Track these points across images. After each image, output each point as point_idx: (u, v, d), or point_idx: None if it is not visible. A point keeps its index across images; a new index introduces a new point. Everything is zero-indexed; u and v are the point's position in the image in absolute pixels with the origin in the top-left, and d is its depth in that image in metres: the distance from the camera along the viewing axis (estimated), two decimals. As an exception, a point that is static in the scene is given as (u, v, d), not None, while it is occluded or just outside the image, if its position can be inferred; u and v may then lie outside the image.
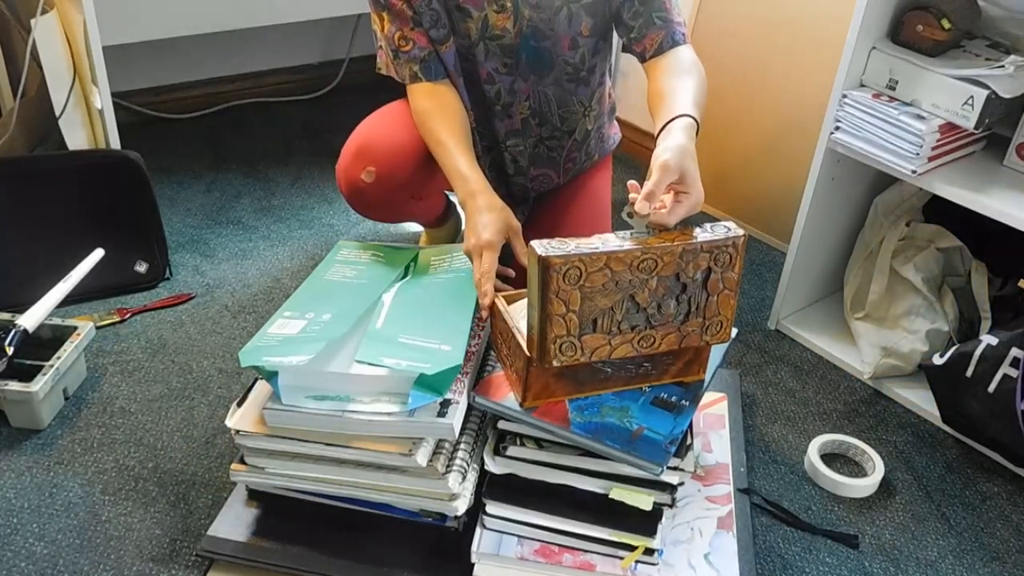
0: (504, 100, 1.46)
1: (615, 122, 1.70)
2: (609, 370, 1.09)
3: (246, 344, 1.11)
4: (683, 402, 1.10)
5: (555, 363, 1.01)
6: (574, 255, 0.97)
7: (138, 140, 1.87)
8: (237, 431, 1.08)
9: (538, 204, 1.65)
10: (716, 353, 1.17)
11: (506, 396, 1.08)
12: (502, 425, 1.09)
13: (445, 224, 1.78)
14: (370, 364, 1.05)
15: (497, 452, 1.08)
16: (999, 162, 1.43)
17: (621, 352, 1.04)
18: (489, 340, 1.22)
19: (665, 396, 1.11)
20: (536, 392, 1.05)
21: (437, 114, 1.38)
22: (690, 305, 1.04)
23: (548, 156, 1.56)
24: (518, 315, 1.10)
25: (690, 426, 1.10)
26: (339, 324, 1.13)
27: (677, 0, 1.37)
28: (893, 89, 1.41)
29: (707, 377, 1.15)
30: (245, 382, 1.44)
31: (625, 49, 1.42)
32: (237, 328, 1.58)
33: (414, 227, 1.92)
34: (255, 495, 1.17)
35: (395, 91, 1.49)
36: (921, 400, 1.49)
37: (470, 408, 1.13)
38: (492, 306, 1.14)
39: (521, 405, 1.06)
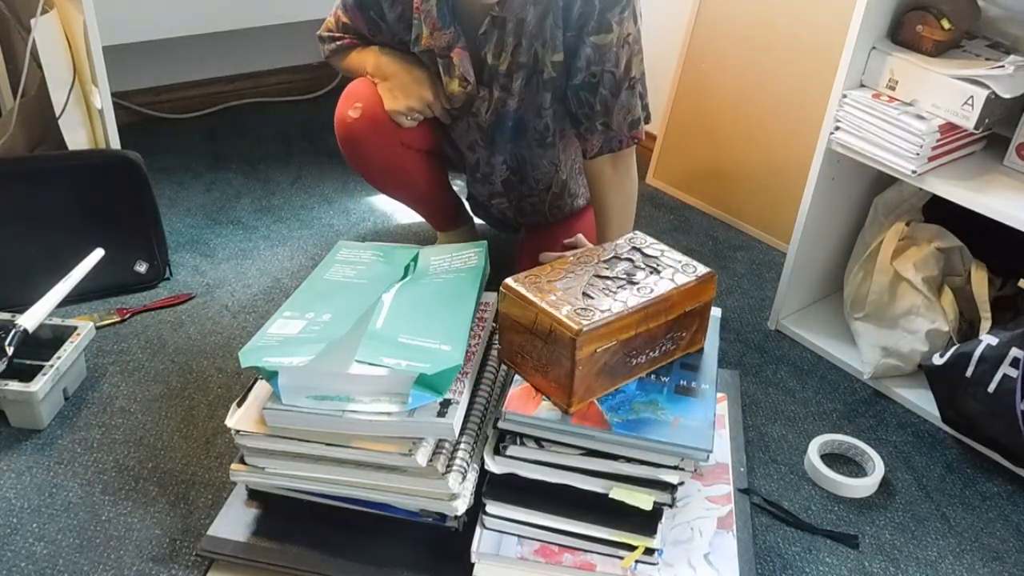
0: (483, 170, 1.58)
1: None
2: (639, 357, 1.10)
3: (246, 344, 1.11)
4: (703, 386, 1.12)
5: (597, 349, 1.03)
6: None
7: (138, 140, 1.87)
8: (237, 431, 1.08)
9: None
10: (713, 326, 1.21)
11: (538, 409, 1.07)
12: (502, 425, 1.09)
13: (457, 228, 1.78)
14: (370, 364, 1.05)
15: (497, 452, 1.08)
16: (999, 162, 1.43)
17: (635, 317, 1.05)
18: (495, 352, 1.23)
19: (684, 383, 1.12)
20: (581, 394, 1.05)
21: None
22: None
23: (534, 210, 1.66)
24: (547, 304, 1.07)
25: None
26: (339, 324, 1.13)
27: (626, 100, 1.42)
28: (893, 89, 1.41)
29: (708, 349, 1.19)
30: (245, 382, 1.44)
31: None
32: (237, 328, 1.58)
33: (414, 228, 1.92)
34: (255, 495, 1.17)
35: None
36: (921, 400, 1.49)
37: (470, 408, 1.13)
38: (504, 315, 1.12)
39: (567, 410, 1.05)
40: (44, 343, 1.38)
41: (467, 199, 1.78)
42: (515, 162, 1.56)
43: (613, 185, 1.48)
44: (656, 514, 1.06)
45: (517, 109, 1.46)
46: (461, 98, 1.46)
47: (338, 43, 1.56)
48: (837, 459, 1.38)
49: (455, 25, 1.40)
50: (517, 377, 1.12)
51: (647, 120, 1.47)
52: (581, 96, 1.41)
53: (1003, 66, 1.32)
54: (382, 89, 1.49)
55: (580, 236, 1.51)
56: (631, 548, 1.07)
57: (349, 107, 1.50)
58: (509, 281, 1.09)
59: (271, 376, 1.04)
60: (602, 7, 1.34)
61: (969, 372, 1.34)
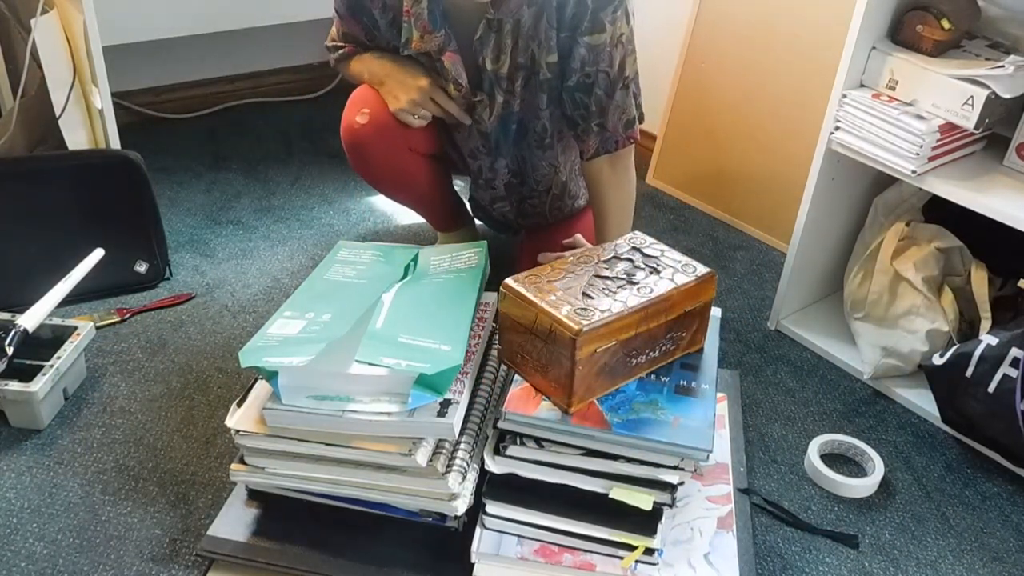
0: (486, 176, 1.57)
1: None
2: (639, 357, 1.10)
3: (246, 344, 1.11)
4: (703, 386, 1.12)
5: (597, 349, 1.02)
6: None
7: (138, 140, 1.87)
8: (237, 431, 1.08)
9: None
10: (713, 326, 1.21)
11: (538, 409, 1.07)
12: (502, 425, 1.09)
13: (457, 229, 1.78)
14: (370, 364, 1.05)
15: (497, 452, 1.08)
16: (999, 162, 1.43)
17: (635, 316, 1.05)
18: (495, 352, 1.23)
19: (684, 383, 1.12)
20: (581, 394, 1.05)
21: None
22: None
23: (535, 212, 1.66)
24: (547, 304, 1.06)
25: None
26: (339, 324, 1.13)
27: (621, 100, 1.42)
28: (893, 89, 1.41)
29: (708, 349, 1.18)
30: (245, 382, 1.44)
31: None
32: (237, 328, 1.58)
33: (414, 228, 1.92)
34: (255, 495, 1.17)
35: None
36: (921, 400, 1.49)
37: (470, 408, 1.13)
38: (504, 315, 1.12)
39: (567, 410, 1.05)
40: (44, 343, 1.37)
41: (468, 200, 1.78)
42: (516, 164, 1.56)
43: (611, 185, 1.48)
44: (656, 514, 1.06)
45: (518, 112, 1.46)
46: (459, 101, 1.46)
47: (341, 52, 1.56)
48: (837, 459, 1.38)
49: (446, 28, 1.40)
50: (517, 377, 1.12)
51: (641, 120, 1.48)
52: (576, 98, 1.41)
53: (1003, 66, 1.32)
54: (383, 93, 1.48)
55: (578, 236, 1.51)
56: (631, 548, 1.07)
57: (357, 113, 1.50)
58: (509, 281, 1.09)
59: (271, 376, 1.04)
60: (595, 7, 1.34)
61: (969, 372, 1.34)
